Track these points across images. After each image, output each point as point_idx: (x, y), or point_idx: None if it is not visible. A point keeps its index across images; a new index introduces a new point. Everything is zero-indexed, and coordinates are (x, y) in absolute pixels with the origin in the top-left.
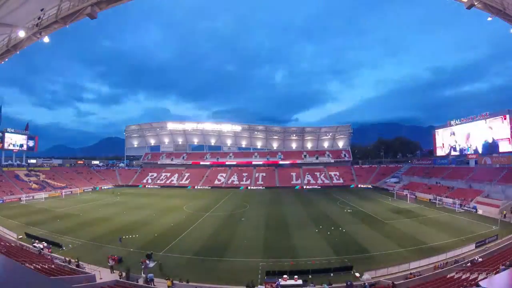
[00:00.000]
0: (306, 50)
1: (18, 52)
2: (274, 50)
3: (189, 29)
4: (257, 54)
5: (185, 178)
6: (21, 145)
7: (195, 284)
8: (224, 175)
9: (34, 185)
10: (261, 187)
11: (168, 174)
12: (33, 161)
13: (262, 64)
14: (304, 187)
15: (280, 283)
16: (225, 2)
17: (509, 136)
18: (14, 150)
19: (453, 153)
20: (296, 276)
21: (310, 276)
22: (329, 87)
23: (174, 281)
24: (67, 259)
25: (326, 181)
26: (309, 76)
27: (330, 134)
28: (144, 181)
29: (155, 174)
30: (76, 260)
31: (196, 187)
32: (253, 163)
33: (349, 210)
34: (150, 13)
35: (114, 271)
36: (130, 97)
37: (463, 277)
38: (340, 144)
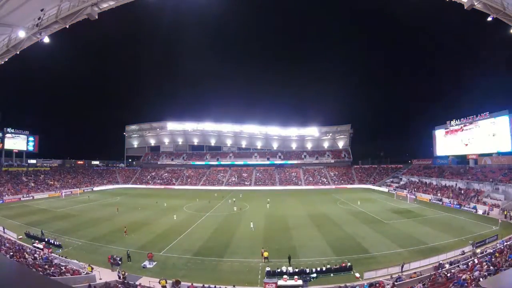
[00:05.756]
0: None
1: (18, 52)
2: None
3: None
4: None
5: (185, 179)
6: (21, 146)
7: (188, 284)
8: (224, 175)
9: (34, 185)
10: (261, 188)
11: (168, 175)
12: (33, 161)
13: None
14: (304, 187)
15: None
16: None
17: (509, 136)
18: (14, 151)
19: (453, 153)
20: (296, 277)
21: (310, 277)
22: None
23: (168, 280)
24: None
25: (326, 181)
26: None
27: (330, 134)
28: (144, 181)
29: (155, 175)
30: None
31: (196, 187)
32: (253, 163)
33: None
34: None
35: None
36: None
37: (463, 277)
38: (340, 144)
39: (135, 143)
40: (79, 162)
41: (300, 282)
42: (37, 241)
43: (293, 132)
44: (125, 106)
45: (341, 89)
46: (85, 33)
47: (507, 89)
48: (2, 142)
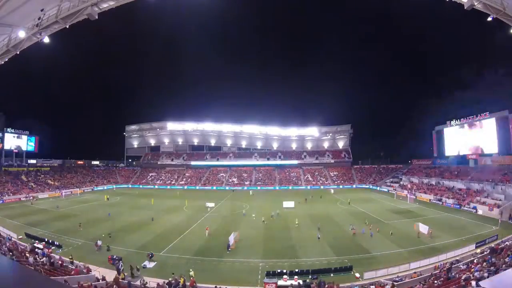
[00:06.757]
0: None
1: (18, 52)
2: None
3: None
4: None
5: (185, 179)
6: (21, 146)
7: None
8: (224, 175)
9: (34, 185)
10: (261, 188)
11: (168, 175)
12: (33, 161)
13: None
14: (304, 187)
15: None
16: None
17: (509, 136)
18: (15, 151)
19: (453, 153)
20: (296, 277)
21: (310, 277)
22: None
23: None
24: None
25: (326, 182)
26: None
27: (330, 134)
28: (144, 181)
29: (155, 175)
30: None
31: (196, 187)
32: (253, 163)
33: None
34: None
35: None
36: None
37: (463, 277)
38: (340, 144)
39: (135, 143)
40: (79, 162)
41: (300, 282)
42: (37, 241)
43: (293, 132)
44: (125, 106)
45: (341, 89)
46: (85, 33)
47: (507, 89)
48: (2, 142)
